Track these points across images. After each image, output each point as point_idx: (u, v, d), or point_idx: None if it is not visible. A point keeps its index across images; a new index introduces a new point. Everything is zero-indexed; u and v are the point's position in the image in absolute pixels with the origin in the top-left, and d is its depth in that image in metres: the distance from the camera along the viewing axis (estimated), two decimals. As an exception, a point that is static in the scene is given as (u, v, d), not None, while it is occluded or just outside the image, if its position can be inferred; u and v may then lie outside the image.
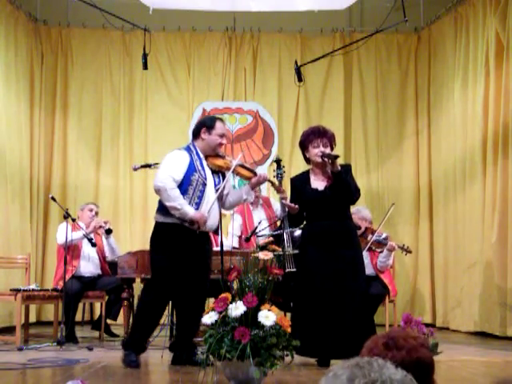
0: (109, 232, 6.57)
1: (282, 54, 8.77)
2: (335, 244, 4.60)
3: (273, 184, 4.96)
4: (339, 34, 8.79)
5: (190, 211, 4.43)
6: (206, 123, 4.71)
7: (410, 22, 7.03)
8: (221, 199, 4.70)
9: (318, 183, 4.72)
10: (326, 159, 4.62)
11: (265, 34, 8.81)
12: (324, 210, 4.64)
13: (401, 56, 8.80)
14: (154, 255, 4.62)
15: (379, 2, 8.18)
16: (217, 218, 4.66)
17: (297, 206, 4.68)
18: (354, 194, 4.69)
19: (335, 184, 4.63)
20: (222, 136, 4.68)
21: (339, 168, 4.61)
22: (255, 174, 4.80)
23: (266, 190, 8.14)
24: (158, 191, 4.49)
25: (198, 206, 4.52)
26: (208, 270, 4.73)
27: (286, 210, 5.18)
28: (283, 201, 4.78)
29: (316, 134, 4.70)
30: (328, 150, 4.66)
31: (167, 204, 4.44)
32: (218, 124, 4.70)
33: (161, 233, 4.57)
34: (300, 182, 4.79)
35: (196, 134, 4.71)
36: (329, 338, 4.45)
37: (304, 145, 4.76)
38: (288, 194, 5.91)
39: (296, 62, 7.08)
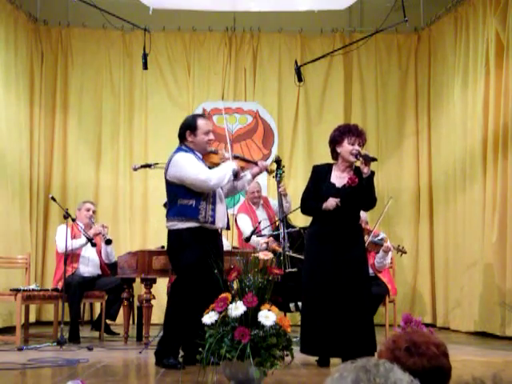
0: (108, 243, 6.53)
1: (282, 54, 8.77)
2: (345, 244, 4.59)
3: (268, 172, 5.02)
4: (339, 34, 8.79)
5: (234, 166, 4.55)
6: (189, 126, 4.64)
7: (410, 21, 7.03)
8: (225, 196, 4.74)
9: (337, 180, 4.70)
10: (360, 159, 4.61)
11: (265, 34, 8.81)
12: (336, 209, 4.59)
13: (401, 56, 8.79)
14: (181, 262, 4.53)
15: (379, 2, 8.18)
16: (226, 214, 4.69)
17: (338, 200, 4.58)
18: (372, 202, 4.73)
19: (360, 187, 4.61)
20: (207, 133, 4.64)
21: (369, 172, 4.63)
22: (251, 162, 4.86)
23: (266, 189, 8.14)
24: (214, 188, 4.48)
25: (213, 205, 4.53)
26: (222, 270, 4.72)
27: (286, 209, 5.18)
28: (329, 204, 4.62)
29: (354, 132, 4.69)
30: (363, 151, 4.68)
31: (225, 183, 4.51)
32: (200, 122, 4.64)
33: (181, 238, 4.49)
34: (321, 173, 4.75)
35: (182, 138, 4.66)
36: (333, 336, 4.45)
37: (337, 140, 4.71)
38: (289, 190, 5.92)
39: (296, 62, 7.08)
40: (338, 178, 4.71)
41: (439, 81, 8.17)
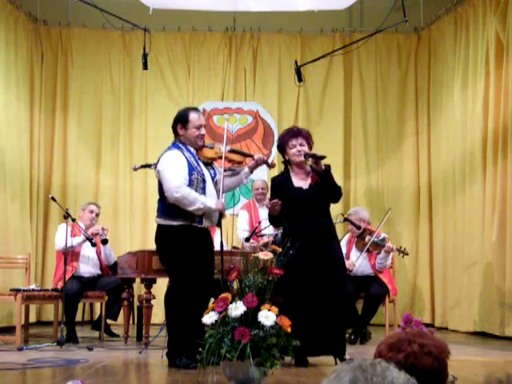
0: (104, 242, 6.53)
1: (282, 54, 8.77)
2: (319, 241, 4.62)
3: (269, 165, 4.97)
4: (339, 34, 8.79)
5: (212, 204, 4.45)
6: (180, 119, 4.61)
7: (410, 22, 7.03)
8: (219, 191, 4.63)
9: (301, 182, 4.74)
10: (310, 159, 4.66)
11: (265, 34, 8.81)
12: (308, 208, 4.66)
13: (401, 56, 8.80)
14: (171, 259, 4.53)
15: (379, 2, 8.18)
16: (216, 213, 4.61)
17: (279, 202, 4.58)
18: (338, 193, 4.76)
19: (321, 183, 4.68)
20: (199, 127, 4.58)
21: (323, 167, 4.66)
22: (248, 155, 4.83)
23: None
24: (176, 202, 4.39)
25: None
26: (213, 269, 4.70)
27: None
28: (267, 200, 4.75)
29: (290, 134, 4.75)
30: (306, 149, 4.70)
31: (190, 209, 4.39)
32: (192, 116, 4.58)
33: (171, 235, 4.48)
34: (281, 182, 4.79)
35: (175, 132, 4.64)
36: (314, 335, 4.45)
37: (283, 147, 4.80)
38: None
39: (296, 62, 7.08)
40: (300, 180, 4.76)
41: (439, 81, 8.17)
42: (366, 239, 6.43)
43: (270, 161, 5.09)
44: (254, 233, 6.37)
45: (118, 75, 8.67)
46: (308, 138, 4.78)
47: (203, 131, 4.61)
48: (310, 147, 4.77)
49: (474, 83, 7.16)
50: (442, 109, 8.06)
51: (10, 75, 7.58)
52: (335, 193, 4.74)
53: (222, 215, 4.58)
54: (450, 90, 7.76)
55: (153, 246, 6.46)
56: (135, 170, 5.95)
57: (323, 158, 4.64)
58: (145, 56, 6.93)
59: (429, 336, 1.79)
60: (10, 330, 6.77)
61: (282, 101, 8.77)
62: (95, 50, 8.69)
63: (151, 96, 8.68)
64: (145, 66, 7.01)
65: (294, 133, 4.76)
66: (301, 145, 4.70)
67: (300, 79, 6.99)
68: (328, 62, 8.64)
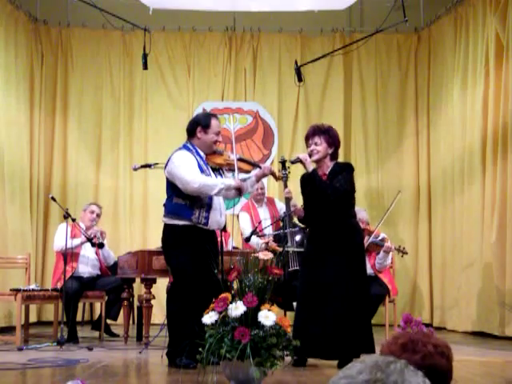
0: (100, 246, 6.51)
1: (282, 54, 8.77)
2: (322, 247, 4.58)
3: (275, 177, 4.94)
4: (339, 34, 8.79)
5: (231, 181, 4.54)
6: (201, 122, 4.67)
7: (410, 22, 7.03)
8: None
9: None
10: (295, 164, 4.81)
11: (265, 34, 8.81)
12: (311, 212, 4.70)
13: (401, 56, 8.80)
14: (174, 259, 4.56)
15: (379, 2, 8.18)
16: (224, 215, 4.70)
17: (301, 210, 4.70)
18: (326, 194, 4.53)
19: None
20: (217, 134, 4.68)
21: (310, 169, 4.60)
22: (256, 165, 4.86)
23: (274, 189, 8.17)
24: (198, 192, 4.44)
25: (209, 206, 4.54)
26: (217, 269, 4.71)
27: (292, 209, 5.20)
28: (292, 206, 4.81)
29: (310, 133, 4.73)
30: (320, 148, 4.62)
31: (213, 192, 4.46)
32: (213, 122, 4.67)
33: (175, 235, 4.52)
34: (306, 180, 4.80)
35: (191, 134, 4.68)
36: (311, 336, 4.45)
37: (306, 145, 4.80)
38: (294, 194, 5.91)
39: (296, 62, 7.08)
40: None
41: (439, 81, 8.17)
42: (365, 240, 6.42)
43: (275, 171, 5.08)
44: (255, 233, 6.37)
45: (118, 75, 8.67)
46: (319, 134, 4.65)
47: (220, 138, 4.71)
48: (330, 144, 4.65)
49: (473, 83, 7.16)
50: (441, 109, 8.07)
51: (10, 76, 7.58)
52: (321, 194, 4.55)
53: (241, 192, 4.60)
54: (450, 90, 7.76)
55: (152, 246, 6.50)
56: (135, 170, 5.95)
57: (295, 161, 4.72)
58: (145, 56, 6.93)
59: (433, 336, 1.79)
60: (10, 329, 6.78)
61: (282, 101, 8.77)
62: (95, 50, 8.69)
63: (151, 96, 8.68)
64: (145, 66, 7.01)
65: (311, 131, 4.72)
66: (315, 144, 4.65)
67: (300, 79, 6.99)
68: (328, 61, 8.64)
